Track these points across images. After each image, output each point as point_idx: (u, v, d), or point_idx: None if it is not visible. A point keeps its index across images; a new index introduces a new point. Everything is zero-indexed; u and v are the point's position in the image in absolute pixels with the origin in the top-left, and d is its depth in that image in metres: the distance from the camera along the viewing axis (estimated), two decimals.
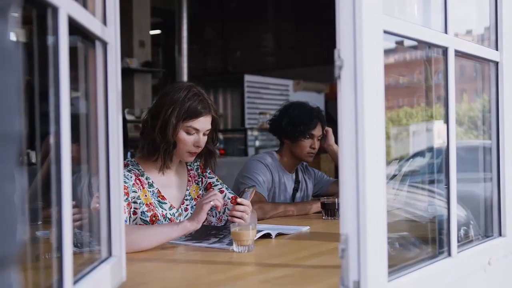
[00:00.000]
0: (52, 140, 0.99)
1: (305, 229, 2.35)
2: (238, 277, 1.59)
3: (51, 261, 1.14)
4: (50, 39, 1.00)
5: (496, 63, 1.80)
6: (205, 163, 2.35)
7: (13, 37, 0.60)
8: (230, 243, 1.91)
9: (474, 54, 1.71)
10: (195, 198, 2.35)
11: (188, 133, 2.18)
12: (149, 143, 2.20)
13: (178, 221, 2.23)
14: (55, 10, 0.98)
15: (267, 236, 2.11)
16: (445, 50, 1.50)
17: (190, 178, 2.37)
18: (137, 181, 2.17)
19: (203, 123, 2.20)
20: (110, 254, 1.36)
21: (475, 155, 2.02)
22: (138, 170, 2.22)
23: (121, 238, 1.38)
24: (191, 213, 2.28)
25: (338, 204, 2.65)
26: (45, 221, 1.36)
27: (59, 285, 0.99)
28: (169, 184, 2.29)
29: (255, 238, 1.92)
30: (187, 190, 2.34)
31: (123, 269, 1.41)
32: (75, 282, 1.08)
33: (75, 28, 1.09)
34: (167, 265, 1.76)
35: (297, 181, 3.13)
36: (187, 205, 2.32)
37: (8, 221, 0.55)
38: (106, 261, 1.33)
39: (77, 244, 1.32)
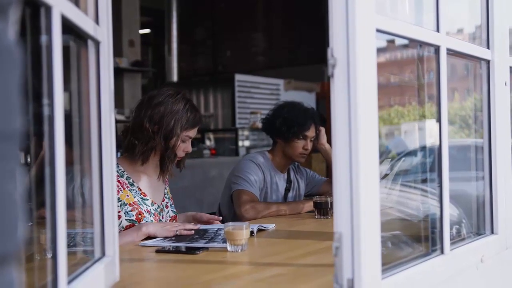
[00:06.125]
0: (45, 140, 0.99)
1: (271, 226, 2.36)
2: (233, 276, 1.59)
3: (42, 261, 1.13)
4: (43, 38, 0.99)
5: (488, 62, 1.80)
6: (178, 162, 2.39)
7: (13, 36, 0.60)
8: (225, 241, 1.90)
9: (466, 52, 1.71)
10: (171, 198, 2.47)
11: (183, 141, 2.29)
12: (150, 150, 2.26)
13: (161, 216, 2.35)
14: (48, 9, 0.97)
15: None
16: (437, 49, 1.51)
17: (166, 179, 2.47)
18: (117, 182, 2.18)
19: (196, 131, 2.35)
20: (103, 254, 1.35)
21: (466, 154, 2.03)
22: (117, 171, 2.24)
23: (114, 238, 1.38)
24: (171, 210, 2.43)
25: (330, 203, 2.65)
26: (36, 222, 1.35)
27: (54, 285, 0.98)
28: (149, 183, 2.36)
29: None
30: (165, 189, 2.45)
31: (117, 269, 1.40)
32: (69, 282, 1.08)
33: (67, 27, 1.09)
34: (160, 265, 1.76)
35: (289, 181, 3.13)
36: (166, 202, 2.43)
37: (10, 219, 0.55)
38: (100, 261, 1.32)
39: (69, 243, 1.32)
